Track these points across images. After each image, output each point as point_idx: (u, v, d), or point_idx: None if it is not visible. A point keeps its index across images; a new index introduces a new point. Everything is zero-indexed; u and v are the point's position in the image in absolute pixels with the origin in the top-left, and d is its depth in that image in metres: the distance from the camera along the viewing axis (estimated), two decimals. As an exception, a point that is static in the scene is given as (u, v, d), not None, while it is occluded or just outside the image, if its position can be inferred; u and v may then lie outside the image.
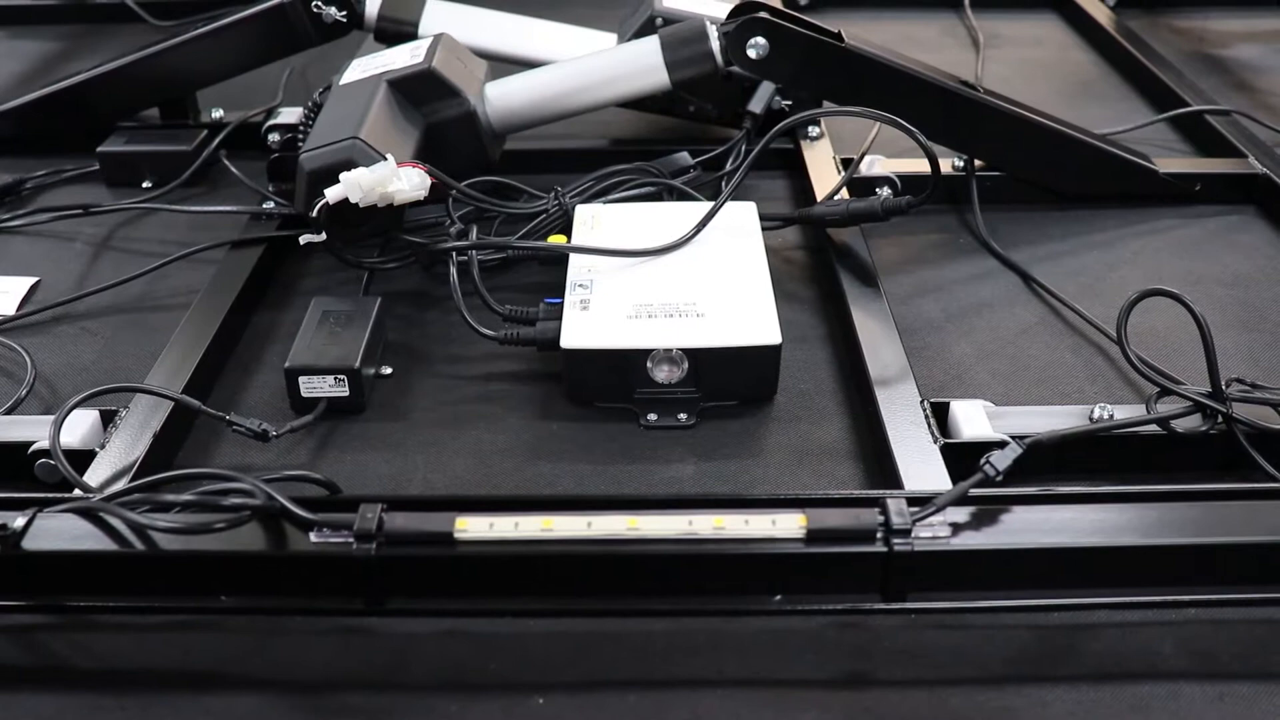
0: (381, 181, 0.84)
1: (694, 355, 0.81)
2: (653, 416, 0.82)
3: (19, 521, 0.64)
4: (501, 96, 1.01)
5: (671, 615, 0.67)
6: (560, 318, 0.83)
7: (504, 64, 1.12)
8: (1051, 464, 0.72)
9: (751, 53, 0.98)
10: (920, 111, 0.93)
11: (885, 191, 1.05)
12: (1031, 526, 0.65)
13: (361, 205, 0.85)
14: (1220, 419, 0.75)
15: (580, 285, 0.86)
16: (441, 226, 0.98)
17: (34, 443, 0.75)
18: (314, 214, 0.85)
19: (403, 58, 0.99)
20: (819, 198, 1.05)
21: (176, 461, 0.79)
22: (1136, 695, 0.62)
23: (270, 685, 0.64)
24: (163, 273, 0.99)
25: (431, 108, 0.97)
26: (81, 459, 0.74)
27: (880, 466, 0.77)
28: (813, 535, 0.63)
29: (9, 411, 0.82)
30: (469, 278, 0.89)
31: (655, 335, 0.81)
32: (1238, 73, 1.42)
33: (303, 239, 0.88)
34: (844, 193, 1.04)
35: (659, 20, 1.09)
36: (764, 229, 0.94)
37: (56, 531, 0.64)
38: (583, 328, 0.82)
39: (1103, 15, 1.55)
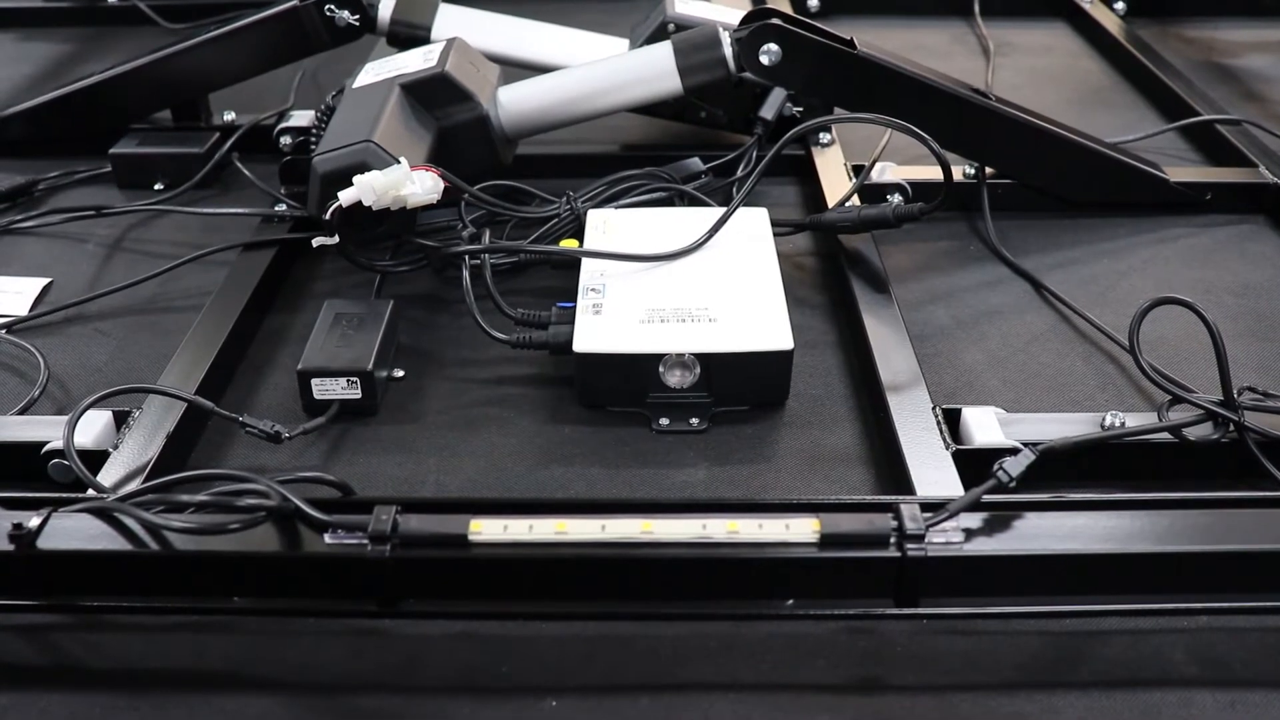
0: (394, 184, 0.84)
1: (706, 360, 0.81)
2: (665, 421, 0.82)
3: (34, 521, 0.64)
4: (514, 101, 1.01)
5: (684, 619, 0.67)
6: (573, 322, 0.83)
7: (516, 69, 1.12)
8: (1063, 471, 0.72)
9: (764, 59, 0.98)
10: (931, 119, 0.93)
11: (896, 198, 1.05)
12: (1044, 533, 0.65)
13: (374, 208, 0.85)
14: (1232, 427, 0.75)
15: (592, 289, 0.86)
16: (453, 230, 0.98)
17: (48, 443, 0.75)
18: (327, 216, 0.85)
19: (415, 62, 0.99)
20: (830, 204, 1.05)
21: (189, 462, 0.79)
22: (1148, 702, 0.62)
23: (283, 686, 0.64)
24: (175, 274, 0.99)
25: (444, 112, 0.97)
26: (95, 459, 0.74)
27: (892, 472, 0.77)
28: (826, 540, 0.63)
29: (22, 412, 0.83)
30: (481, 281, 0.89)
31: (667, 340, 0.81)
32: (1248, 82, 1.42)
33: (315, 241, 0.88)
34: (855, 199, 1.04)
35: (671, 26, 1.09)
36: (775, 235, 0.94)
37: (71, 531, 0.65)
38: (595, 332, 0.82)
39: (1113, 24, 1.55)
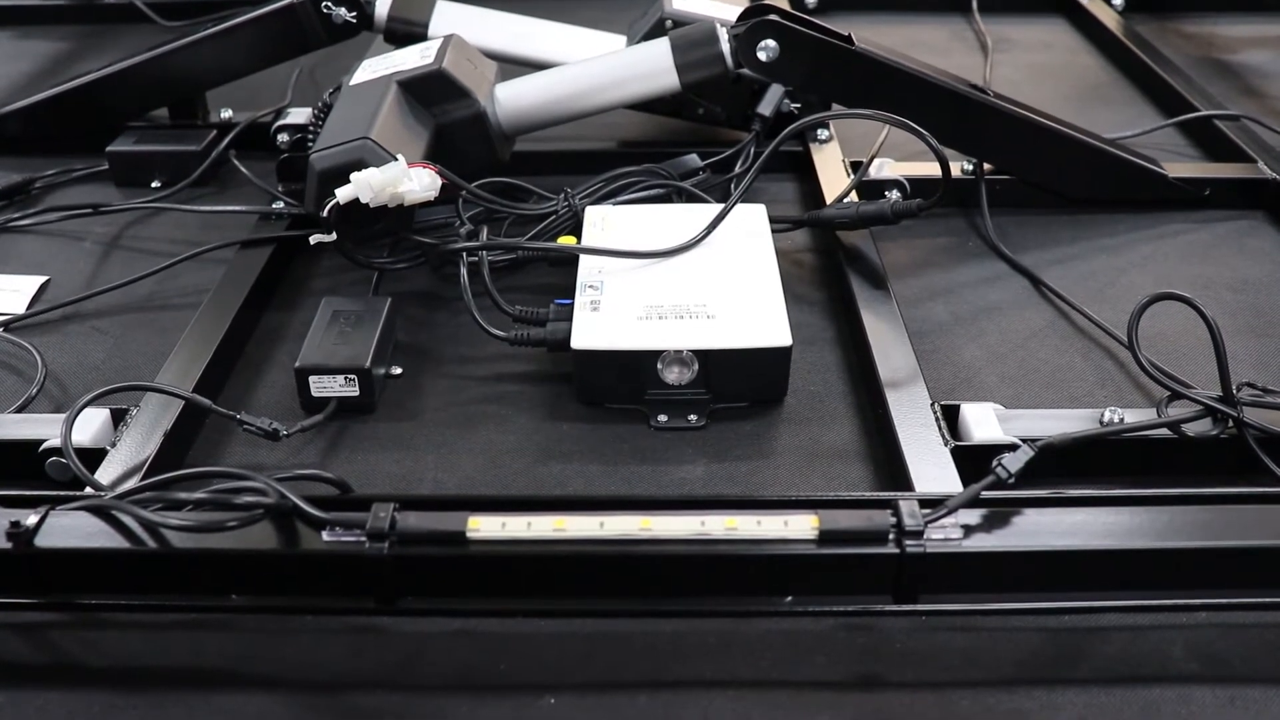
0: (392, 182, 0.84)
1: (704, 356, 0.81)
2: (663, 418, 0.82)
3: (31, 519, 0.64)
4: (511, 98, 1.01)
5: (682, 616, 0.67)
6: (570, 318, 0.83)
7: (514, 65, 1.12)
8: (1062, 467, 0.72)
9: (761, 55, 0.98)
10: (929, 115, 0.93)
11: (894, 194, 1.05)
12: (1043, 529, 0.65)
13: (372, 205, 0.85)
14: (1231, 423, 0.75)
15: (590, 286, 0.86)
16: (451, 227, 0.98)
17: (45, 441, 0.75)
18: (324, 214, 0.85)
19: (413, 58, 0.99)
20: (828, 200, 1.05)
21: (187, 460, 0.79)
22: (1147, 699, 0.62)
23: (281, 684, 0.64)
24: (172, 272, 0.99)
25: (441, 109, 0.97)
26: (92, 457, 0.74)
27: (890, 469, 0.77)
28: (825, 536, 0.63)
29: (20, 410, 0.83)
30: (479, 278, 0.89)
31: (666, 336, 0.81)
32: (1246, 78, 1.42)
33: (313, 239, 0.88)
34: (853, 195, 1.04)
35: (669, 22, 1.09)
36: (773, 231, 0.94)
37: (69, 529, 0.64)
38: (593, 329, 0.82)
39: (1111, 20, 1.55)
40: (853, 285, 0.94)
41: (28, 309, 0.96)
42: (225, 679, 0.64)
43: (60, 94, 1.17)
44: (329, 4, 1.12)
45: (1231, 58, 1.49)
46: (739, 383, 0.83)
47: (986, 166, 1.08)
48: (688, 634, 0.66)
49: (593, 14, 1.29)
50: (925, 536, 0.63)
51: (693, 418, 0.82)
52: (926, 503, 0.65)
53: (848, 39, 0.99)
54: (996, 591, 0.65)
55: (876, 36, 1.02)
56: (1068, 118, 1.09)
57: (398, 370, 0.88)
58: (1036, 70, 1.46)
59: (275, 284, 0.99)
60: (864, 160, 1.09)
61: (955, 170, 0.99)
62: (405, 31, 1.13)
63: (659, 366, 0.81)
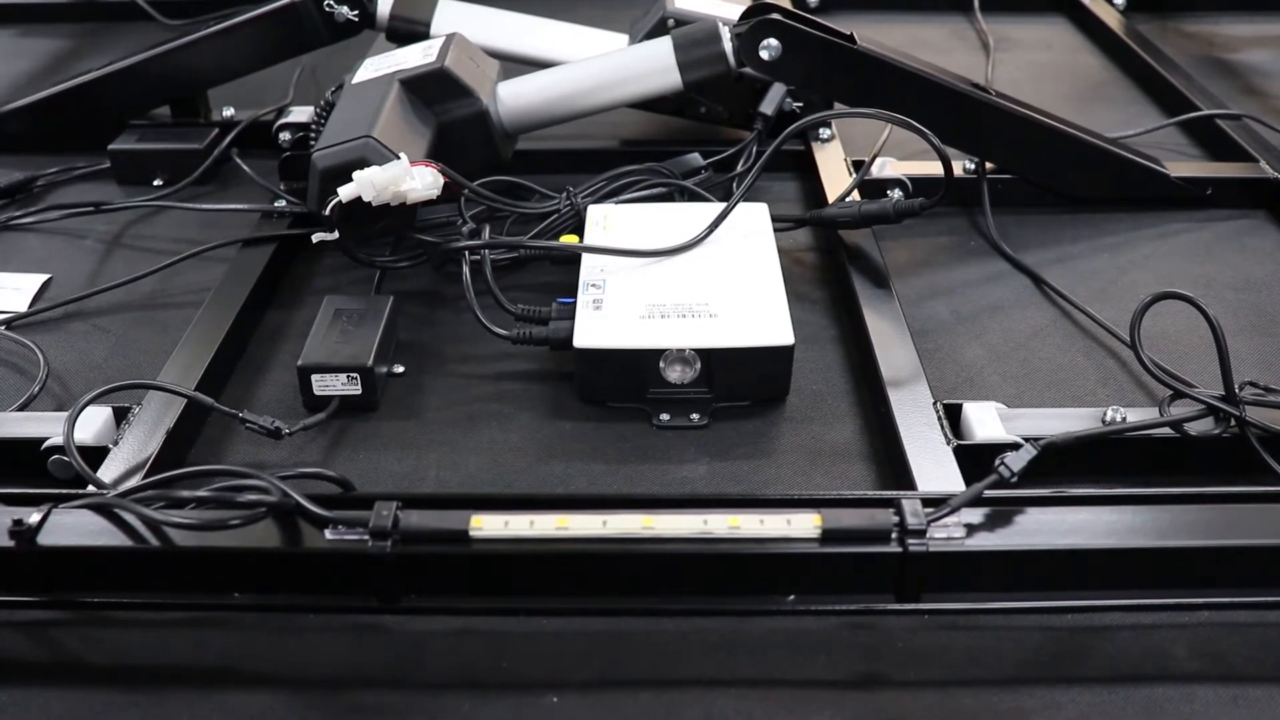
0: (394, 180, 0.84)
1: (707, 355, 0.81)
2: (665, 416, 0.82)
3: (34, 517, 0.64)
4: (513, 96, 1.01)
5: (685, 615, 0.67)
6: (573, 317, 0.83)
7: (516, 64, 1.12)
8: (1064, 466, 0.72)
9: (764, 54, 0.98)
10: (931, 114, 0.93)
11: (897, 193, 1.05)
12: (1046, 528, 0.65)
13: (374, 204, 0.85)
14: (1233, 422, 0.75)
15: (593, 285, 0.86)
16: (453, 226, 0.98)
17: (47, 439, 0.75)
18: (326, 212, 0.85)
19: (415, 57, 0.99)
20: (830, 199, 1.05)
21: (189, 459, 0.79)
22: (1150, 697, 0.62)
23: (283, 682, 0.64)
24: (174, 270, 0.99)
25: (444, 107, 0.97)
26: (95, 455, 0.74)
27: (893, 468, 0.77)
28: (828, 535, 0.63)
29: (22, 408, 0.83)
30: (481, 277, 0.89)
31: (668, 335, 0.81)
32: (1248, 77, 1.42)
33: (315, 237, 0.88)
34: (855, 194, 1.04)
35: (671, 21, 1.09)
36: (776, 230, 0.94)
37: (71, 527, 0.64)
38: (596, 327, 0.82)
39: (1112, 19, 1.55)
40: (855, 284, 0.94)
41: (30, 307, 0.96)
42: (227, 677, 0.64)
43: (62, 92, 1.17)
44: (331, 2, 1.12)
45: (1233, 57, 1.49)
46: (741, 381, 0.83)
47: (988, 165, 1.08)
48: (690, 633, 0.66)
49: (594, 13, 1.29)
50: (928, 535, 0.63)
51: (695, 416, 0.82)
52: (929, 502, 0.65)
53: (850, 38, 0.99)
54: (999, 590, 0.65)
55: (878, 36, 1.02)
56: (1069, 117, 1.09)
57: (400, 369, 0.88)
58: (1038, 69, 1.46)
59: (277, 282, 0.99)
60: (866, 159, 1.09)
61: (957, 169, 0.99)
62: (407, 30, 1.13)
63: (661, 365, 0.81)
